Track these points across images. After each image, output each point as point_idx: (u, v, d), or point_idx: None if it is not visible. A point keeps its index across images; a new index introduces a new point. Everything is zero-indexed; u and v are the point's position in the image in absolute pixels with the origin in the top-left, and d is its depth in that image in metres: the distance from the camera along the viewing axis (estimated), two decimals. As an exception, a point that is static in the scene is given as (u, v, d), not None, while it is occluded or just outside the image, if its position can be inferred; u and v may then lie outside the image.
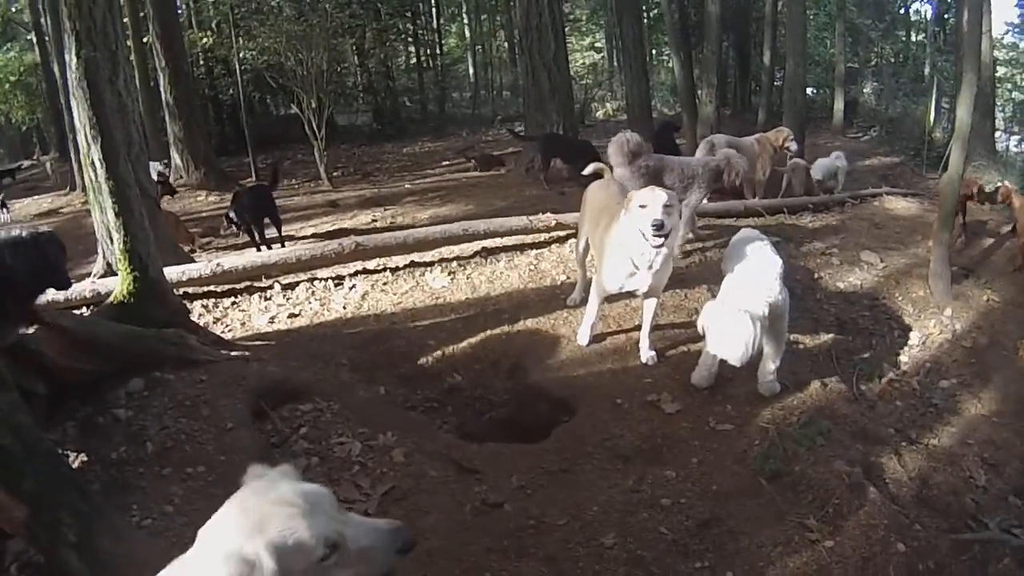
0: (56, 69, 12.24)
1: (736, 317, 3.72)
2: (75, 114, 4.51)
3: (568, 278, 5.67)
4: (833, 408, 4.05)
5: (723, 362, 4.00)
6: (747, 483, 3.38)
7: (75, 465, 3.48)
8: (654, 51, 24.03)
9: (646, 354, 4.49)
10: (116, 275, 4.70)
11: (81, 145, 5.08)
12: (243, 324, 5.37)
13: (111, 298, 4.63)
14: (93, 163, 4.52)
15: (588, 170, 5.42)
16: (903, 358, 5.10)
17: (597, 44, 26.95)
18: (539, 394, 4.52)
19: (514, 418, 4.49)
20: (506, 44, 25.71)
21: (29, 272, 3.50)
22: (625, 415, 4.00)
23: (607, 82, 24.48)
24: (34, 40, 18.97)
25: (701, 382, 4.17)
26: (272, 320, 5.39)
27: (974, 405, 4.60)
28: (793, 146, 8.65)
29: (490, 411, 4.61)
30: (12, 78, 21.42)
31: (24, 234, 3.58)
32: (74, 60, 4.61)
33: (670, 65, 18.84)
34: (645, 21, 20.54)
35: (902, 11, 22.88)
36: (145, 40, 13.62)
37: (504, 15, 24.56)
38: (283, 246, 8.61)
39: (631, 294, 4.46)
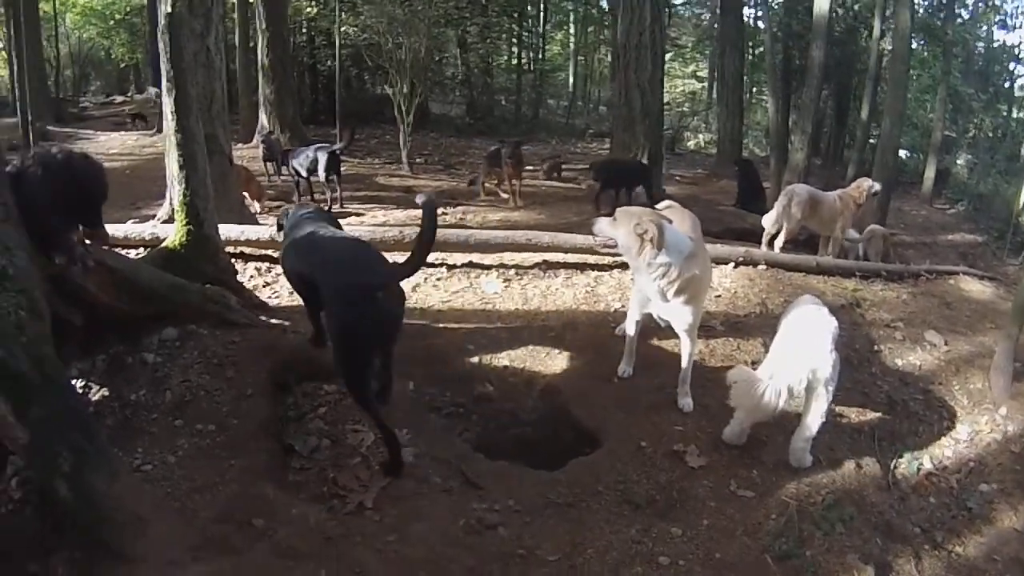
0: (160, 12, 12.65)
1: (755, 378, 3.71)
2: (162, 62, 4.61)
3: (622, 306, 5.49)
4: (862, 493, 3.83)
5: (759, 423, 3.88)
6: (753, 558, 3.21)
7: (95, 399, 3.59)
8: (753, 89, 23.57)
9: (682, 400, 4.31)
10: (176, 224, 4.81)
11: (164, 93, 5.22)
12: (291, 293, 5.38)
13: (162, 246, 4.76)
14: (167, 114, 4.62)
15: (661, 205, 5.29)
16: (947, 452, 4.78)
17: (700, 73, 26.39)
18: (566, 420, 4.39)
19: (536, 439, 4.38)
20: (608, 59, 25.59)
21: (55, 197, 3.25)
22: (647, 460, 3.84)
23: (703, 113, 24.11)
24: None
25: (732, 439, 4.00)
26: (322, 295, 5.40)
27: (1009, 517, 4.27)
28: (877, 187, 8.00)
29: (514, 427, 4.50)
30: (117, 16, 22.25)
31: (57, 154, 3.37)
32: (167, 10, 4.72)
33: (767, 106, 18.53)
34: (749, 58, 20.21)
35: (1007, 84, 21.97)
36: (251, 1, 13.99)
37: (610, 29, 24.55)
38: (341, 207, 8.89)
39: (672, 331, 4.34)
